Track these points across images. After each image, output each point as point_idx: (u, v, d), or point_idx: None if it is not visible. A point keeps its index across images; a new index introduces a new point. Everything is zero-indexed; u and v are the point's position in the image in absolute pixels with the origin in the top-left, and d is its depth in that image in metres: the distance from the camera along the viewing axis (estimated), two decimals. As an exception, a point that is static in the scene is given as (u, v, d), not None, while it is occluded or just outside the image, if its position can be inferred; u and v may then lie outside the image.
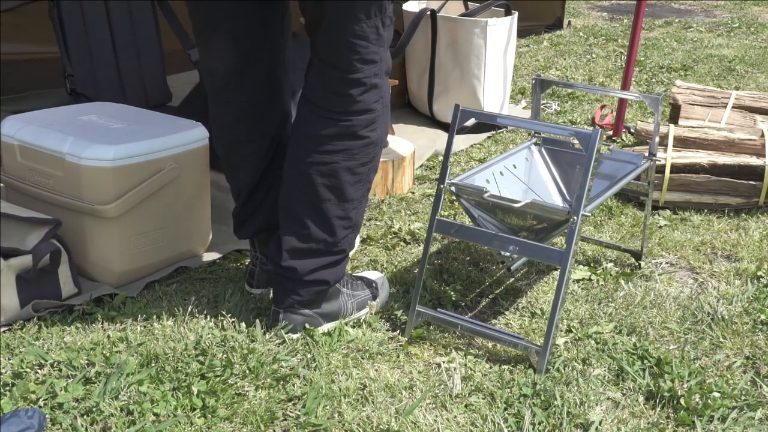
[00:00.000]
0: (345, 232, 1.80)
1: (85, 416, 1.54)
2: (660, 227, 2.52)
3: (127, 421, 1.53)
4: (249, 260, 2.04)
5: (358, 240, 2.26)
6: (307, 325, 1.84)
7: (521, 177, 2.12)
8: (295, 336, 1.83)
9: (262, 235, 1.96)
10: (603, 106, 3.71)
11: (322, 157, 1.72)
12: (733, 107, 3.09)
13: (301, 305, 1.83)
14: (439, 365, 1.77)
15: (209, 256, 2.21)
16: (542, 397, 1.64)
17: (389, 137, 2.87)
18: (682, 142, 2.74)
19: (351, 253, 1.87)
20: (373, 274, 2.04)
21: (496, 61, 3.33)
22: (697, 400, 1.63)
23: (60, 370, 1.67)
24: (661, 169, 2.62)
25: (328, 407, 1.61)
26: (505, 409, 1.61)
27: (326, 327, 1.87)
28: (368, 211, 2.59)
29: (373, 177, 1.82)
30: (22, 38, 3.34)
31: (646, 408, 1.64)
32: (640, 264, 2.25)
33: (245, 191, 1.92)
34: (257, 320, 1.86)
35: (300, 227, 1.78)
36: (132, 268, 2.03)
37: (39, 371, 1.67)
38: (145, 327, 1.85)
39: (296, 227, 1.79)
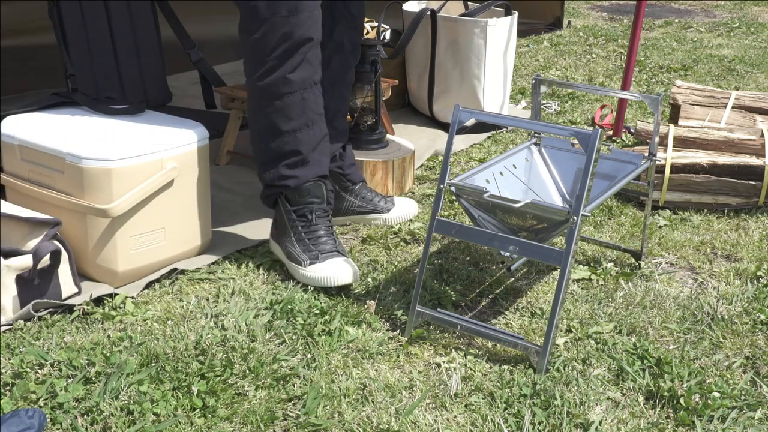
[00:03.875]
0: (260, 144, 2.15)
1: (85, 416, 1.54)
2: (660, 227, 2.52)
3: (127, 421, 1.53)
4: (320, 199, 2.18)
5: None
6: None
7: (521, 177, 2.12)
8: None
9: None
10: (603, 106, 3.71)
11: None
12: (733, 107, 3.09)
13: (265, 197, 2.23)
14: (439, 365, 1.77)
15: (209, 257, 2.21)
16: (542, 397, 1.64)
17: (389, 137, 2.87)
18: (682, 142, 2.74)
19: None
20: (337, 260, 2.08)
21: (496, 61, 3.33)
22: (697, 400, 1.63)
23: (60, 370, 1.67)
24: (661, 169, 2.62)
25: (328, 407, 1.61)
26: (505, 409, 1.61)
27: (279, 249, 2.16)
28: (368, 211, 2.59)
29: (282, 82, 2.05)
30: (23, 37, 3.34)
31: (646, 408, 1.64)
32: (640, 264, 2.25)
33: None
34: (257, 320, 1.86)
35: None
36: (132, 268, 2.03)
37: (39, 371, 1.67)
38: (145, 327, 1.85)
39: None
